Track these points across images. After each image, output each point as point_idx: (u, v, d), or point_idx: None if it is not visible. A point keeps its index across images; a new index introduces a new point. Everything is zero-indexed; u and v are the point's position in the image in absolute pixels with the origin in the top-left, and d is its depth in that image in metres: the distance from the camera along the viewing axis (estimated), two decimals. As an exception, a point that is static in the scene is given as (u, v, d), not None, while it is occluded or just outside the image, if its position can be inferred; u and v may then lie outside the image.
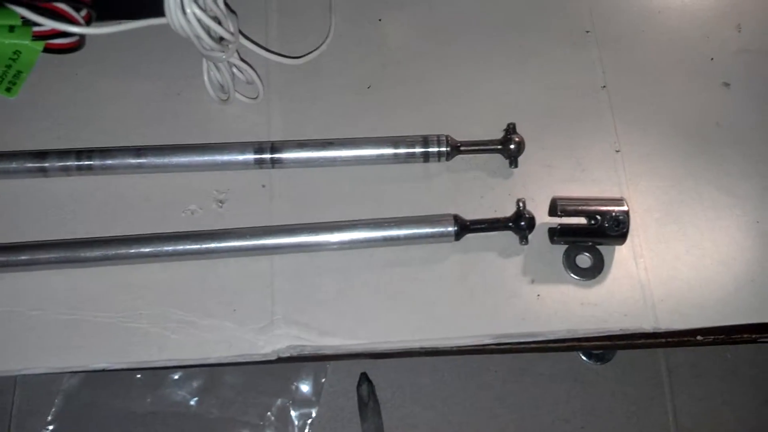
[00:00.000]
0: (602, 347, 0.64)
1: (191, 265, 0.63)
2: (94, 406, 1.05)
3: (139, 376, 1.06)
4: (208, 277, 0.63)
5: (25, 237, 0.63)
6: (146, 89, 0.70)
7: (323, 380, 1.06)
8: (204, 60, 0.67)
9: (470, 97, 0.71)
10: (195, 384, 1.05)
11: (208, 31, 0.59)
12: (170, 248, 0.62)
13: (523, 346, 0.62)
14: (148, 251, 0.62)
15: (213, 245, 0.62)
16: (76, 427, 1.05)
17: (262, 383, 1.06)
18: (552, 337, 0.61)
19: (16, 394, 1.06)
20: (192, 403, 1.04)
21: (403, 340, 0.61)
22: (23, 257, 0.61)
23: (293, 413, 1.05)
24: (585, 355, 1.06)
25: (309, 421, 1.04)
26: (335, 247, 0.63)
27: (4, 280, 0.62)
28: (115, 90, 0.70)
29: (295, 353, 0.61)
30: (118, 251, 0.62)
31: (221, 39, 0.61)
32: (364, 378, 1.03)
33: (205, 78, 0.68)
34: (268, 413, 1.04)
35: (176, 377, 1.06)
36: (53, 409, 1.06)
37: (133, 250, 0.62)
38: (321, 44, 0.72)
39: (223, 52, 0.63)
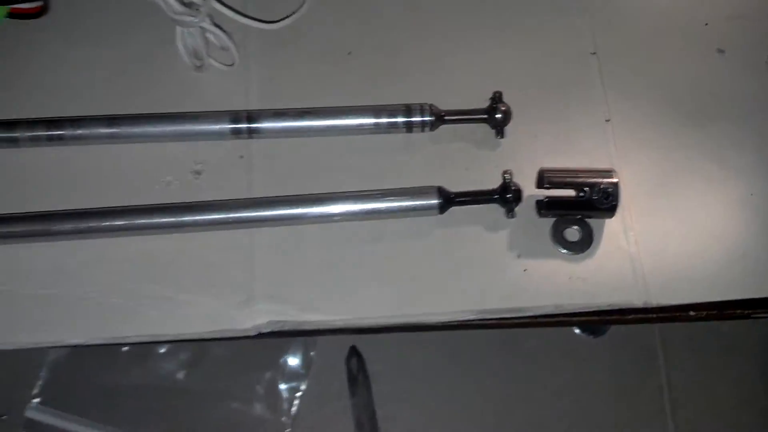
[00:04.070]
0: (591, 323, 0.62)
1: (168, 239, 0.61)
2: (80, 379, 1.04)
3: (125, 348, 1.04)
4: (186, 250, 0.61)
5: (-5, 210, 0.60)
6: (118, 56, 0.68)
7: (312, 353, 1.05)
8: (177, 25, 0.64)
9: (455, 65, 0.68)
10: (182, 357, 1.04)
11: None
12: (146, 221, 0.60)
13: (509, 321, 0.60)
14: (123, 224, 0.60)
15: (191, 218, 0.60)
16: (63, 400, 1.04)
17: (250, 356, 1.04)
18: (539, 313, 0.59)
19: (4, 367, 1.05)
20: (179, 376, 1.03)
21: (386, 315, 0.59)
22: (-7, 230, 0.59)
23: (282, 386, 1.04)
24: (578, 329, 1.05)
25: (298, 394, 1.03)
26: (316, 220, 0.61)
27: (-27, 255, 0.60)
28: (84, 57, 0.67)
29: (275, 329, 0.59)
30: (92, 224, 0.60)
31: (191, 3, 0.59)
32: (354, 351, 1.01)
33: (179, 44, 0.65)
34: (257, 386, 1.03)
35: (163, 350, 1.05)
36: (39, 382, 1.05)
37: (107, 223, 0.60)
38: (299, 8, 0.69)
39: (194, 16, 0.61)
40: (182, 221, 0.60)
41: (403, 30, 0.69)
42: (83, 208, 0.60)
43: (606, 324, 0.62)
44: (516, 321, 0.61)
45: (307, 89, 0.67)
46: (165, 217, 0.60)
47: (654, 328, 1.08)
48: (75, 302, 0.59)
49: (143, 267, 0.60)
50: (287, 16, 0.68)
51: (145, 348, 1.05)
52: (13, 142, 0.62)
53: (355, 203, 0.60)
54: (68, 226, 0.59)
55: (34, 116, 0.63)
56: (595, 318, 0.61)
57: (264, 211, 0.61)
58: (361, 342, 1.04)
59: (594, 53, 0.69)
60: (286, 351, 1.05)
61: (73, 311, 0.59)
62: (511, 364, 1.05)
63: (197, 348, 1.05)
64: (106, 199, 0.61)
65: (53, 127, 0.62)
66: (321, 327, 0.60)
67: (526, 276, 0.60)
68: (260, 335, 0.60)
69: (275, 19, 0.68)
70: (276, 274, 0.60)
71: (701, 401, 1.06)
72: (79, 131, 0.62)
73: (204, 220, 0.60)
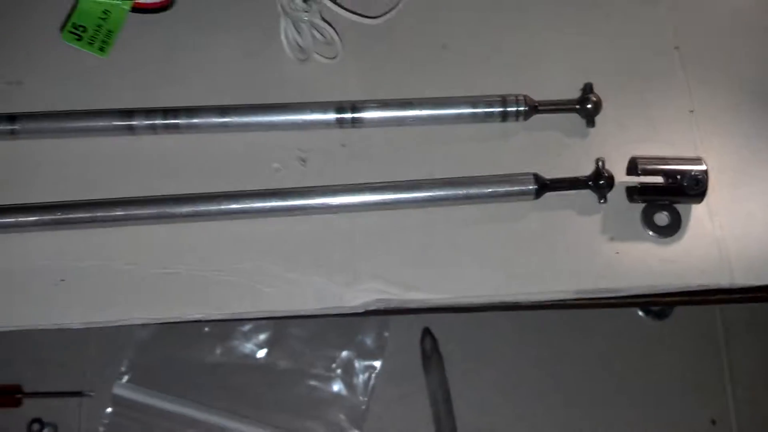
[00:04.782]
0: (678, 303, 0.66)
1: (278, 222, 0.65)
2: (166, 357, 1.10)
3: (207, 329, 1.10)
4: (295, 233, 0.64)
5: (114, 194, 0.64)
6: (227, 49, 0.71)
7: (386, 334, 1.09)
8: (281, 19, 0.68)
9: (545, 57, 0.71)
10: (262, 336, 1.09)
11: (298, -10, 0.60)
12: (258, 205, 0.64)
13: (603, 301, 0.64)
14: (237, 208, 0.63)
15: (299, 202, 0.64)
16: (150, 377, 1.10)
17: (327, 336, 1.09)
18: (632, 293, 0.63)
19: (90, 347, 1.10)
20: (259, 355, 1.08)
21: (486, 294, 0.63)
22: (117, 213, 0.63)
23: (358, 365, 1.09)
24: (643, 312, 1.10)
25: (374, 373, 1.08)
26: (418, 205, 0.64)
27: (97, 236, 0.63)
28: (198, 50, 0.71)
29: (381, 306, 0.63)
30: (208, 207, 0.63)
31: (307, -1, 0.62)
32: (427, 332, 1.06)
33: (282, 38, 0.69)
34: (334, 365, 1.08)
35: (244, 330, 1.10)
36: (126, 361, 1.10)
37: (223, 207, 0.63)
38: (398, 3, 0.72)
39: (308, 11, 0.64)
40: (291, 205, 0.64)
41: (494, 24, 0.73)
42: (198, 192, 0.64)
43: (690, 304, 0.66)
44: (607, 301, 0.64)
45: (403, 82, 0.70)
46: (275, 202, 0.64)
47: (715, 312, 1.12)
48: (194, 280, 0.63)
49: (257, 248, 0.64)
50: (387, 12, 0.71)
51: (226, 328, 1.10)
52: (130, 129, 0.66)
53: (456, 189, 0.64)
54: (186, 209, 0.63)
55: (151, 105, 0.66)
56: (683, 298, 0.65)
57: (368, 195, 0.64)
58: (433, 323, 1.08)
59: (677, 48, 0.72)
60: (360, 331, 1.10)
61: (192, 289, 0.63)
62: (579, 347, 1.10)
63: (276, 328, 1.09)
64: (218, 184, 0.65)
65: (170, 116, 0.66)
66: (423, 305, 0.64)
67: (619, 258, 0.64)
68: (367, 312, 0.64)
69: (371, 15, 0.71)
70: (380, 255, 0.64)
71: (761, 381, 1.10)
72: (194, 120, 0.66)
73: (312, 204, 0.64)
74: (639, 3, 0.74)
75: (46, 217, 0.63)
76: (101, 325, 0.63)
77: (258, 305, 0.62)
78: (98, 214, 0.63)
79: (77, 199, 0.64)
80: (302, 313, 0.63)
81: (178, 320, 0.63)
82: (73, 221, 0.63)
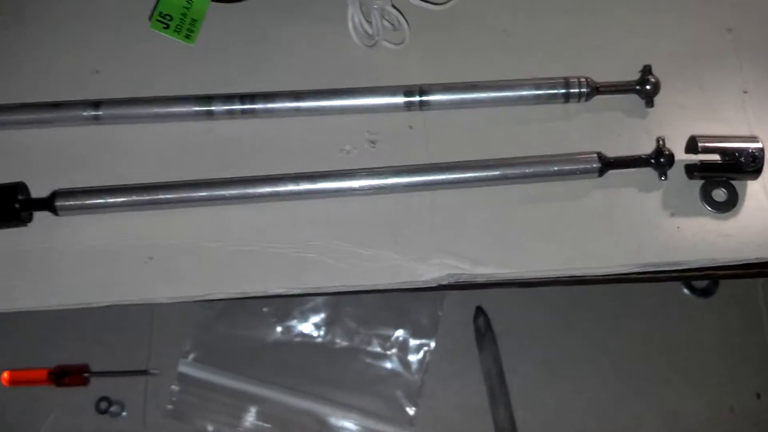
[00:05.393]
0: (734, 276, 0.68)
1: (352, 200, 0.68)
2: (228, 336, 1.14)
3: (266, 309, 1.14)
4: (369, 211, 0.68)
5: (193, 177, 0.67)
6: (297, 35, 0.74)
7: (439, 313, 1.13)
8: (349, 6, 0.71)
9: (602, 40, 0.74)
10: (320, 316, 1.13)
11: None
12: (334, 185, 0.67)
13: (665, 275, 0.67)
14: (315, 188, 0.67)
15: (374, 182, 0.67)
16: (215, 355, 1.14)
17: (381, 315, 1.13)
18: (694, 266, 0.66)
19: (155, 327, 1.15)
20: (317, 334, 1.13)
21: (552, 269, 0.66)
22: (201, 194, 0.66)
23: (412, 343, 1.13)
24: (689, 291, 1.13)
25: (428, 351, 1.12)
26: (487, 183, 0.67)
27: (182, 215, 0.67)
28: (272, 38, 0.74)
29: (452, 281, 0.66)
30: (287, 188, 0.67)
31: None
32: (480, 310, 1.09)
33: (350, 25, 0.72)
34: (388, 343, 1.12)
35: (302, 310, 1.14)
36: (190, 340, 1.15)
37: (301, 187, 0.67)
38: (462, -10, 0.75)
39: (380, -1, 0.67)
40: (365, 185, 0.67)
41: (554, 8, 0.75)
42: (278, 173, 0.67)
43: (748, 277, 0.68)
44: (667, 275, 0.67)
45: (466, 66, 0.73)
46: (349, 182, 0.67)
47: (758, 291, 1.15)
48: (274, 257, 0.66)
49: (332, 226, 0.67)
50: (450, -2, 0.74)
51: (284, 309, 1.15)
52: (210, 115, 0.69)
53: (523, 167, 0.67)
54: (266, 189, 0.67)
55: (225, 92, 0.70)
56: (740, 272, 0.67)
57: (438, 175, 0.67)
58: (485, 302, 1.12)
59: (729, 30, 0.74)
60: (414, 310, 1.14)
61: (272, 265, 0.66)
62: (628, 323, 1.14)
63: (333, 308, 1.14)
64: (294, 166, 0.68)
65: (246, 101, 0.69)
66: (492, 279, 0.67)
67: (680, 233, 0.67)
68: (439, 287, 0.67)
69: (436, 1, 0.74)
70: (449, 232, 0.67)
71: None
72: (270, 105, 0.69)
73: (383, 184, 0.67)
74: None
75: (134, 198, 0.66)
76: (188, 300, 0.67)
77: (336, 280, 0.66)
78: (183, 195, 0.66)
79: (158, 181, 0.67)
80: (377, 287, 0.66)
81: (262, 295, 0.67)
82: (160, 202, 0.66)
